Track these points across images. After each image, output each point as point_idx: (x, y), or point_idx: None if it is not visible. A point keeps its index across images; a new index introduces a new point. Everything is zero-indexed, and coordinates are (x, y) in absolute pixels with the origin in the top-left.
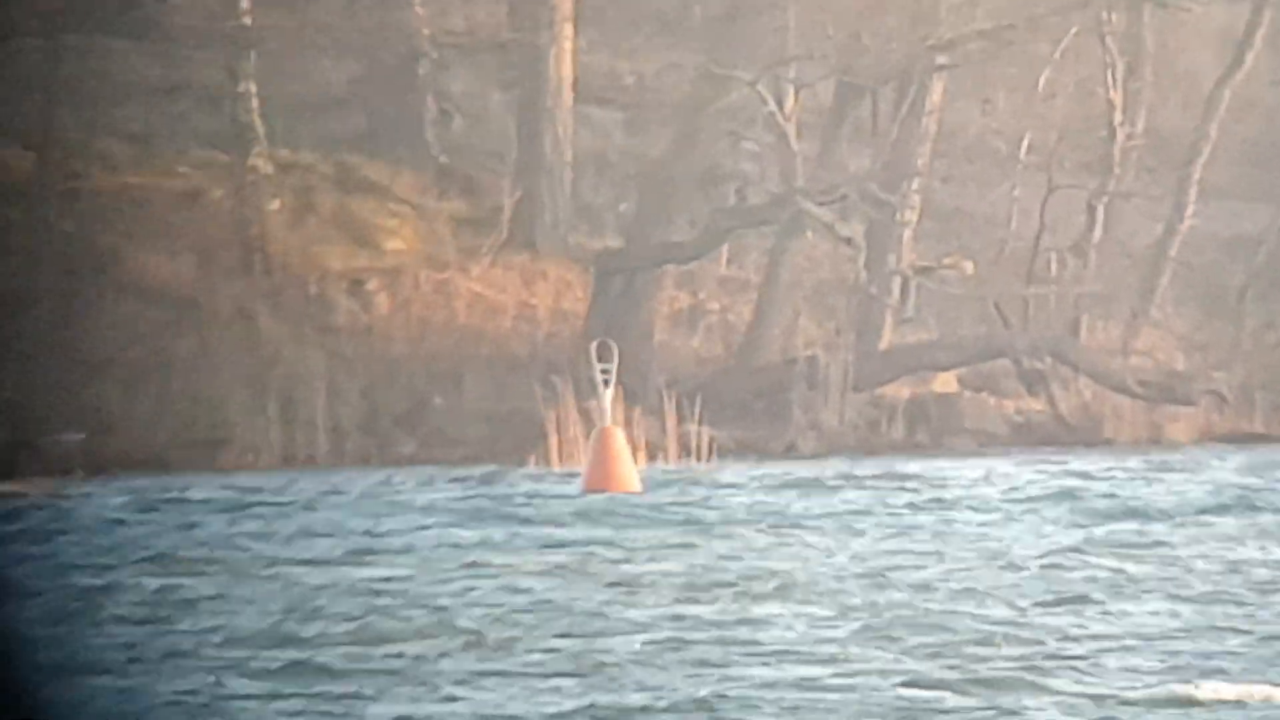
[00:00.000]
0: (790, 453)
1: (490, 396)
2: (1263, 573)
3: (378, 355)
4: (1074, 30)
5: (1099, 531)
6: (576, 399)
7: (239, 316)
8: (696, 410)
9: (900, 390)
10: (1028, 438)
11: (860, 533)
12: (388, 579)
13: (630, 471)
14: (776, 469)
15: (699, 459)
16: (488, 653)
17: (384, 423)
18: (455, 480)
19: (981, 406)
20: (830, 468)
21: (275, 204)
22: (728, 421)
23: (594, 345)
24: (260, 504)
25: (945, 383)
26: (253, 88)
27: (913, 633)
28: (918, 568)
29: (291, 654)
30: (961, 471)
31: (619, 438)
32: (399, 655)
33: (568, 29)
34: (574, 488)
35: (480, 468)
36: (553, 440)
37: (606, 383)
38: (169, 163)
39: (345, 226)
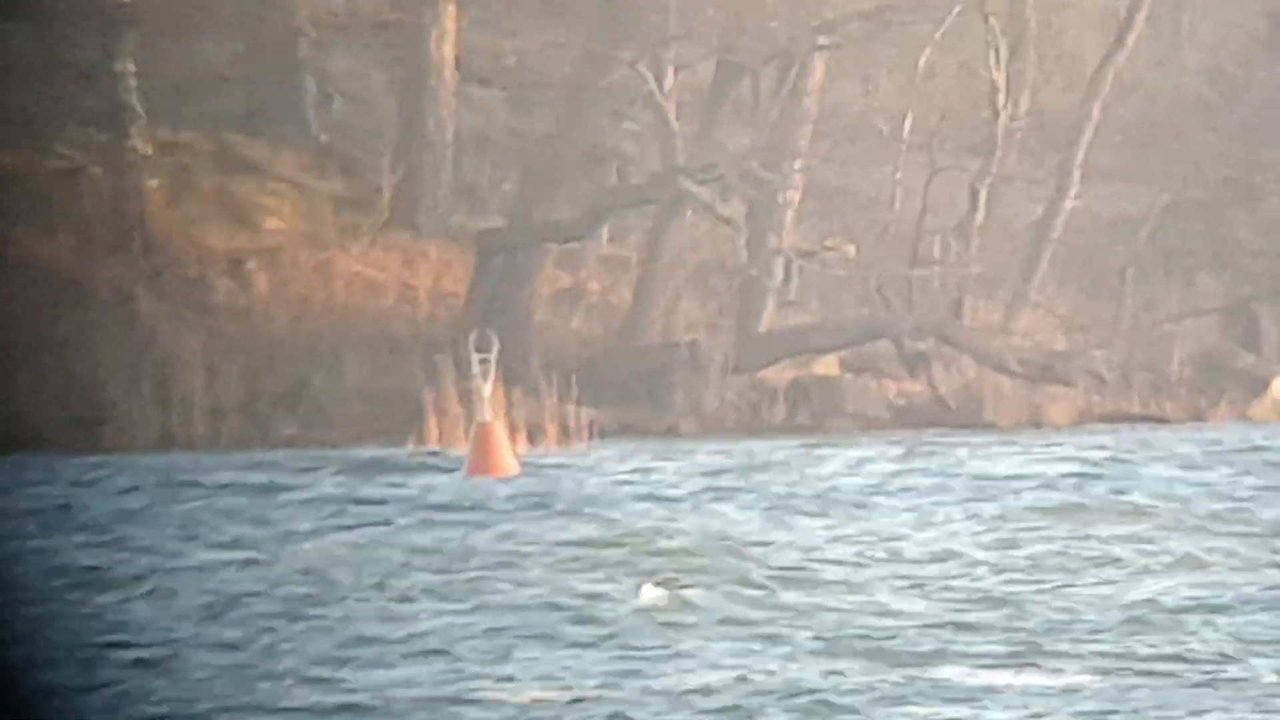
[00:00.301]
0: (671, 434)
1: (370, 377)
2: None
3: (257, 335)
4: (956, 10)
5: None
6: (457, 379)
7: (117, 296)
8: (577, 392)
9: (781, 373)
10: (909, 420)
11: (720, 514)
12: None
13: (509, 462)
14: (657, 451)
15: (579, 441)
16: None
17: (263, 403)
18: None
19: (863, 389)
20: (707, 450)
21: (154, 183)
22: (608, 403)
23: (472, 336)
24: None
25: (827, 365)
26: (131, 66)
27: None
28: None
29: None
30: (841, 454)
31: (498, 432)
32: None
33: (450, 8)
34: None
35: (360, 449)
36: (432, 421)
37: (485, 374)
38: (48, 142)
39: (225, 206)
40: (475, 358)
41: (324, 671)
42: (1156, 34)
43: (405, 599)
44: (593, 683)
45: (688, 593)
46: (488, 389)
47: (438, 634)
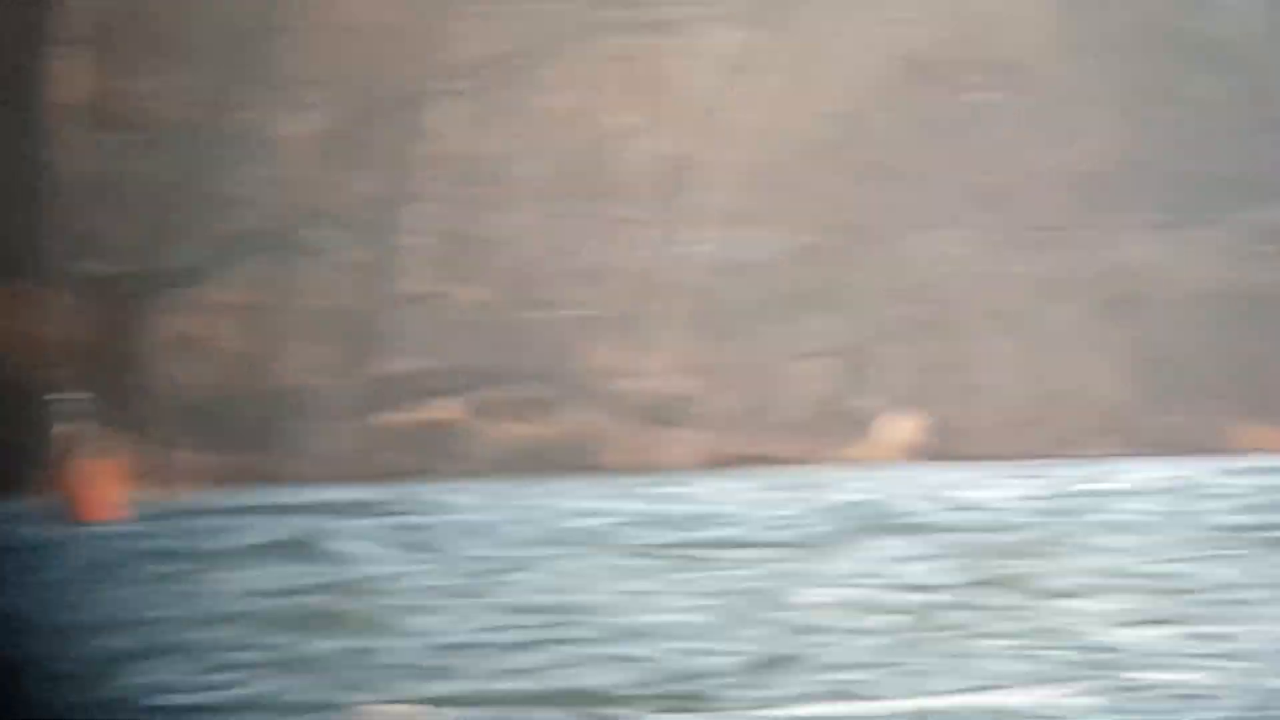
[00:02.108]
0: (284, 479)
1: None
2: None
3: None
4: (578, 54)
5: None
6: (77, 431)
7: None
8: (192, 437)
9: (400, 416)
10: (529, 462)
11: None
12: None
13: (113, 501)
14: (266, 498)
15: (192, 486)
16: None
17: None
18: None
19: (482, 432)
20: (315, 495)
21: None
22: (224, 448)
23: (58, 378)
24: None
25: (447, 409)
26: None
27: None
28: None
29: None
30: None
31: (93, 472)
32: None
33: (67, 50)
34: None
35: None
36: (48, 471)
37: (70, 416)
38: None
39: None
40: (54, 399)
41: None
42: (779, 76)
43: None
44: None
45: None
46: (74, 430)
47: None
